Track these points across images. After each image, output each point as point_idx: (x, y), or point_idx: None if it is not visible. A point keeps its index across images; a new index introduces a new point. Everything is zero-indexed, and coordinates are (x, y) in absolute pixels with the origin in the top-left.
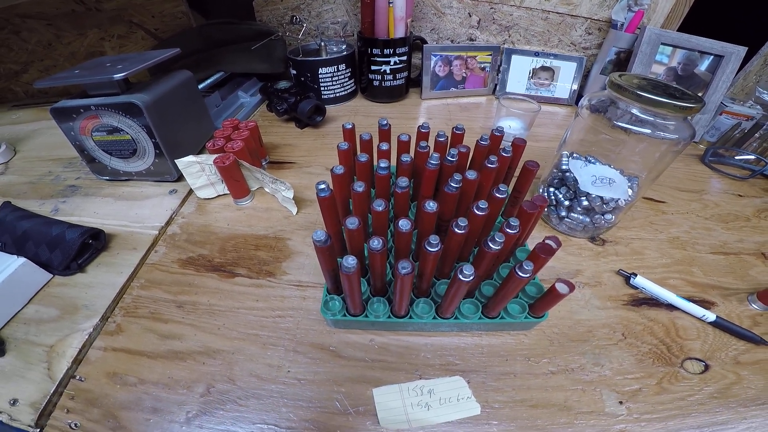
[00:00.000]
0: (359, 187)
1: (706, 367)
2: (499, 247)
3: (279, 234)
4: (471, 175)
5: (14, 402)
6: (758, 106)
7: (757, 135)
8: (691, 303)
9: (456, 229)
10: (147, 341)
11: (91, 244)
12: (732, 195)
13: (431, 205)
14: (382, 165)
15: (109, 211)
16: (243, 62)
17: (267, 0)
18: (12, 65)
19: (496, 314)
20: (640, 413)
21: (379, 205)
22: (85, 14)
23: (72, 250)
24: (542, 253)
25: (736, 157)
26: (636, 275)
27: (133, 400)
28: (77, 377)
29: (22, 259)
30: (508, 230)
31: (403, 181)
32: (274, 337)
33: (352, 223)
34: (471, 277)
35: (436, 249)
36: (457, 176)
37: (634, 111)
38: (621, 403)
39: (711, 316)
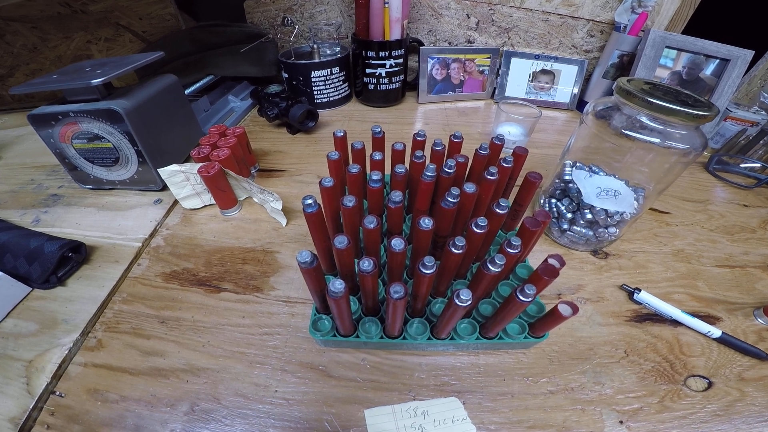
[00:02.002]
0: (349, 201)
1: (710, 384)
2: (499, 270)
3: (267, 247)
4: (469, 188)
5: None
6: (763, 112)
7: (762, 142)
8: (696, 318)
9: (453, 249)
10: (129, 357)
11: (71, 257)
12: (737, 205)
13: (427, 223)
14: (375, 177)
15: (91, 222)
16: (233, 65)
17: (258, 1)
18: None
19: (494, 335)
20: None
21: (370, 223)
22: (70, 17)
23: (51, 263)
24: (545, 275)
25: (741, 165)
26: (640, 290)
27: (115, 417)
28: (57, 393)
29: None
30: (509, 250)
31: (397, 196)
32: (261, 355)
33: (340, 242)
34: (468, 302)
35: (431, 271)
36: (455, 190)
37: (643, 119)
38: (621, 422)
39: (716, 332)
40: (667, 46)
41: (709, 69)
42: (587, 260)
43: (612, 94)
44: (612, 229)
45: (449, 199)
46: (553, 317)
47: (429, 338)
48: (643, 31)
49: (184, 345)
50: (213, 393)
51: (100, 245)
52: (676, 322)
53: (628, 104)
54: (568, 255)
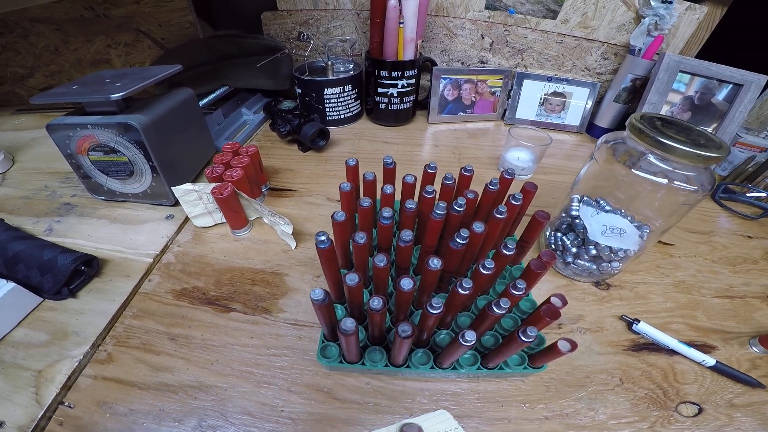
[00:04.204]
0: (361, 239)
1: (700, 410)
2: (503, 312)
3: (276, 269)
4: (478, 228)
5: (1, 424)
6: None
7: None
8: (691, 348)
9: (460, 291)
10: (138, 372)
11: (83, 270)
12: (741, 236)
13: (435, 263)
14: (386, 214)
15: (103, 234)
16: (248, 77)
17: (275, 14)
18: (18, 69)
19: (494, 366)
20: None
21: (380, 261)
22: (93, 20)
23: (63, 275)
24: (547, 316)
25: (748, 195)
26: (639, 321)
27: (123, 429)
28: (66, 404)
29: (12, 284)
30: (513, 292)
31: (407, 235)
32: (268, 375)
33: (351, 280)
34: (472, 342)
35: (438, 311)
36: (464, 232)
37: (652, 159)
38: None
39: (710, 361)
40: (681, 71)
41: (721, 94)
42: (589, 291)
43: (623, 126)
44: (615, 264)
45: (458, 240)
46: (551, 352)
47: (432, 367)
48: (657, 54)
49: (193, 362)
50: (221, 410)
51: (112, 259)
52: (672, 351)
53: (640, 143)
54: (570, 286)
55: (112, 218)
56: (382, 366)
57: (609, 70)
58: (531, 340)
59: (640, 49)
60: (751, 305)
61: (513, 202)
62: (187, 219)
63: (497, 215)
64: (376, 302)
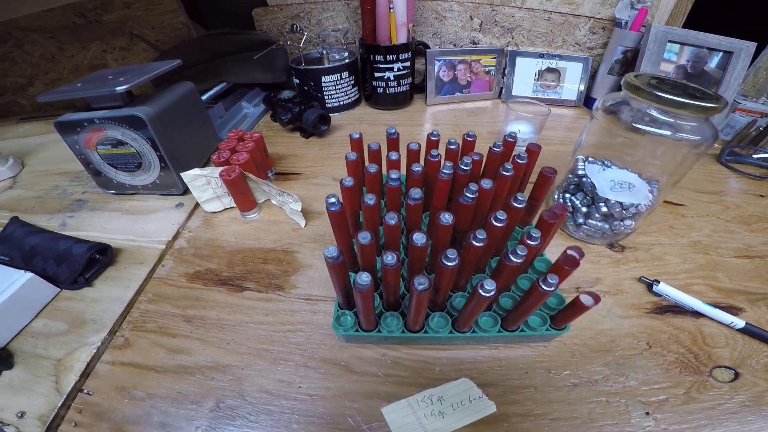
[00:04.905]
0: (370, 200)
1: (736, 375)
2: (521, 261)
3: (287, 247)
4: (486, 184)
5: (22, 415)
6: None
7: None
8: (718, 310)
9: (474, 242)
10: (155, 356)
11: (98, 258)
12: (752, 195)
13: (447, 218)
14: (393, 176)
15: (116, 225)
16: (245, 72)
17: (266, 9)
18: (17, 78)
19: (516, 327)
20: (668, 424)
21: (391, 219)
22: (86, 27)
23: (79, 264)
24: (566, 265)
25: (754, 156)
26: (659, 282)
27: (142, 414)
28: (85, 391)
29: (30, 274)
30: (529, 242)
31: (416, 193)
32: (284, 352)
33: (364, 238)
34: (492, 293)
35: (454, 263)
36: (473, 186)
37: (653, 112)
38: (647, 414)
39: (740, 323)
40: (669, 41)
41: (713, 62)
42: (603, 254)
43: (620, 90)
44: (627, 222)
45: (467, 194)
46: (574, 308)
47: (451, 332)
48: (644, 26)
49: (209, 343)
50: (238, 390)
51: (125, 247)
52: (697, 314)
53: (637, 99)
54: (585, 249)
55: (123, 210)
56: (399, 333)
57: (599, 44)
58: (552, 288)
59: (626, 22)
60: None
61: (518, 161)
62: (196, 206)
63: (504, 173)
64: (390, 257)
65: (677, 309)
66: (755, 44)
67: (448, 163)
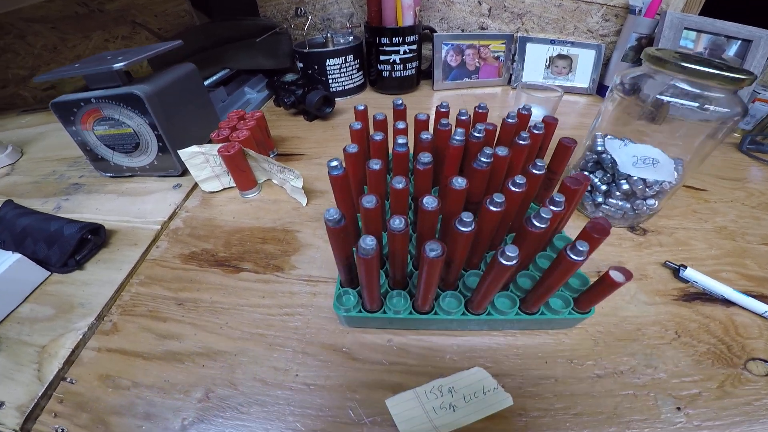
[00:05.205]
0: (375, 164)
1: None
2: (545, 225)
3: (288, 226)
4: (502, 151)
5: (0, 405)
6: None
7: None
8: (751, 298)
9: (491, 207)
10: (143, 341)
11: (90, 239)
12: None
13: (460, 182)
14: (400, 141)
15: (111, 207)
16: (248, 59)
17: None
18: (19, 70)
19: (536, 309)
20: (701, 420)
21: (398, 183)
22: (88, 16)
23: (70, 245)
24: (595, 233)
25: None
26: (686, 267)
27: (126, 404)
28: (68, 379)
29: (18, 256)
30: (552, 207)
31: (426, 157)
32: (281, 337)
33: (369, 201)
34: (515, 261)
35: (470, 228)
36: (488, 150)
37: (679, 84)
38: (679, 409)
39: None
40: (686, 28)
41: (732, 50)
42: (625, 236)
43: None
44: (650, 201)
45: (482, 159)
46: (603, 285)
47: (464, 313)
48: (658, 14)
49: (202, 327)
50: (230, 378)
51: (119, 229)
52: (728, 302)
53: (662, 71)
54: None
55: (120, 192)
56: (406, 314)
57: (612, 31)
58: (582, 258)
59: (640, 9)
60: None
61: (535, 131)
62: (195, 186)
63: (520, 141)
64: (398, 221)
65: (706, 296)
66: None
67: (460, 130)
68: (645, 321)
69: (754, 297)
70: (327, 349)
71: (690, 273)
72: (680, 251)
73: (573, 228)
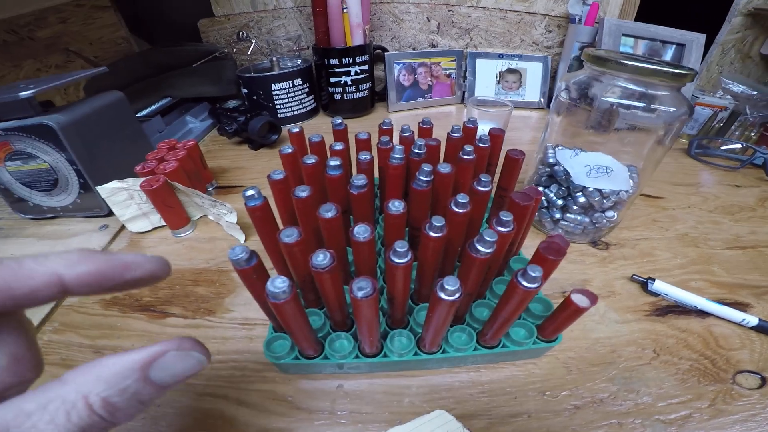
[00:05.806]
0: (302, 192)
1: (764, 380)
2: (490, 250)
3: (222, 266)
4: (444, 168)
5: None
6: (728, 96)
7: (736, 123)
8: (725, 306)
9: (431, 233)
10: None
11: None
12: (728, 186)
13: (397, 206)
14: (332, 163)
15: (29, 252)
16: (190, 86)
17: (212, 20)
18: None
19: (496, 343)
20: None
21: (327, 211)
22: (18, 44)
23: None
24: (550, 254)
25: (722, 148)
26: (654, 280)
27: None
28: None
29: None
30: (499, 228)
31: (360, 179)
32: (211, 387)
33: (288, 235)
34: (456, 295)
35: (405, 260)
36: (427, 167)
37: (622, 83)
38: None
39: (753, 320)
40: (623, 34)
41: (668, 55)
42: (587, 252)
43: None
44: (609, 213)
45: (421, 178)
46: (566, 311)
47: (416, 353)
48: (597, 22)
49: None
50: None
51: None
52: (702, 313)
53: (604, 70)
54: None
55: (40, 235)
56: (352, 358)
57: (556, 42)
58: (536, 285)
59: (580, 18)
60: (766, 255)
61: (480, 144)
62: (123, 228)
63: (464, 157)
64: (322, 257)
65: (679, 309)
66: (704, 35)
67: (399, 146)
68: (619, 341)
69: (728, 305)
70: (267, 399)
71: (659, 285)
72: (646, 263)
73: (531, 248)
